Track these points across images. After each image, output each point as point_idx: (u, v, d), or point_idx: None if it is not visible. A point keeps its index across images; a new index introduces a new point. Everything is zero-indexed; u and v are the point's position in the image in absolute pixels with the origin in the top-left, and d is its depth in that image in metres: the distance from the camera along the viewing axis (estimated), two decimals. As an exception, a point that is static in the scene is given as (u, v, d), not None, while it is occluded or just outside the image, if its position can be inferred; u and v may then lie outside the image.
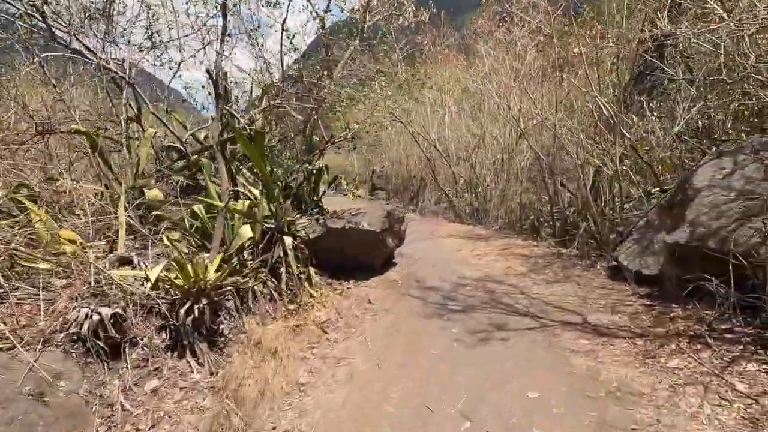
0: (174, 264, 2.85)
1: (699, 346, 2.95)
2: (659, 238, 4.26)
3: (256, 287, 3.30)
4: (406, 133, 12.25)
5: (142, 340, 2.76)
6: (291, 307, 3.32)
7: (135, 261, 3.08)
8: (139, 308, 2.85)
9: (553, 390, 2.69)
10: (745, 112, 5.35)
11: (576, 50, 6.45)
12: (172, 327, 2.81)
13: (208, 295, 2.88)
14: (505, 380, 2.84)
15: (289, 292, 3.56)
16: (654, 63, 9.56)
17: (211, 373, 2.82)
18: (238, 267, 3.27)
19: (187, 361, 2.75)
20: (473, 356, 3.23)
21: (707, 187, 3.77)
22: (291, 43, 4.44)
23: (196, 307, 2.79)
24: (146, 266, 3.00)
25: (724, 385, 2.50)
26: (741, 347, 2.84)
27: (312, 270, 4.76)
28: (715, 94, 6.45)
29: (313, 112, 5.03)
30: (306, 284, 3.93)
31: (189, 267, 2.81)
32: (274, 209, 3.87)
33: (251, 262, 3.42)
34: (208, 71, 3.87)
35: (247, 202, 3.43)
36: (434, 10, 10.92)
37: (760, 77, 4.68)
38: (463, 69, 12.24)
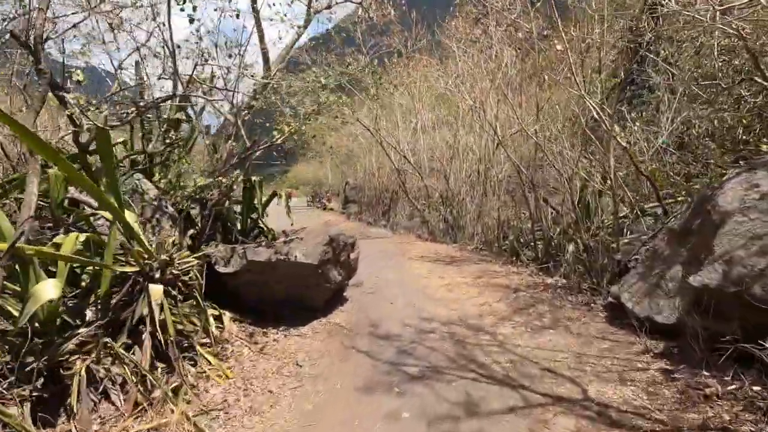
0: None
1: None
2: (674, 274, 3.31)
3: (102, 369, 2.13)
4: (379, 143, 11.26)
5: None
6: (155, 394, 2.17)
7: None
8: None
9: None
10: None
11: (559, 47, 5.60)
12: None
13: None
14: None
15: (159, 368, 2.39)
16: (636, 69, 8.95)
17: None
18: (41, 347, 2.06)
19: None
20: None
21: (739, 210, 2.84)
22: (182, 9, 3.32)
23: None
24: None
25: None
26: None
27: (228, 316, 3.58)
28: (703, 102, 5.75)
29: (237, 114, 3.92)
30: (199, 347, 2.77)
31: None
32: (153, 243, 2.71)
33: (85, 330, 2.22)
34: (12, 33, 2.66)
35: (81, 237, 2.27)
36: (405, 8, 10.10)
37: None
38: (436, 72, 11.40)
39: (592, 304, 4.21)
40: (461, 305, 4.51)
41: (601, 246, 4.75)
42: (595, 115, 4.65)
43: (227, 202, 4.26)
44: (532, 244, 6.42)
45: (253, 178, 4.86)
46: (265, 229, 5.38)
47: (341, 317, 4.21)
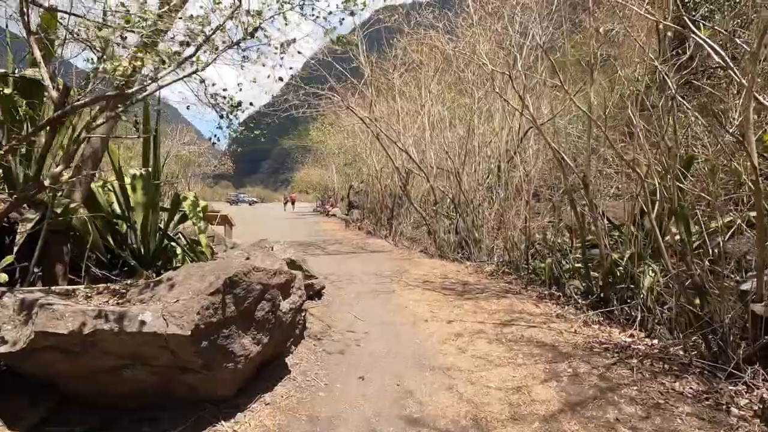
0: None
1: None
2: None
3: None
4: (375, 137, 9.42)
5: None
6: None
7: None
8: None
9: None
10: None
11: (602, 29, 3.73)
12: None
13: None
14: None
15: None
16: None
17: None
18: None
19: None
20: None
21: None
22: None
23: None
24: None
25: None
26: None
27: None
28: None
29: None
30: None
31: None
32: None
33: None
34: None
35: None
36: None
37: None
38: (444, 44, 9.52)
39: (727, 404, 2.27)
40: (479, 388, 2.62)
41: (715, 284, 2.79)
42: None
43: (79, 211, 2.49)
44: (582, 270, 4.48)
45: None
46: (180, 252, 3.63)
47: (264, 416, 2.37)
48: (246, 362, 2.22)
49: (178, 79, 2.26)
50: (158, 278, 2.15)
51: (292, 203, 29.28)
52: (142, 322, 1.77)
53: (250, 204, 48.34)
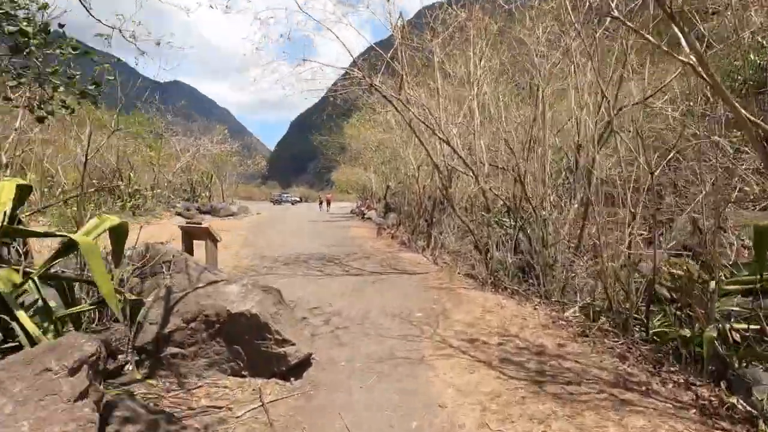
0: None
1: None
2: None
3: None
4: (408, 125, 7.47)
5: None
6: None
7: None
8: None
9: None
10: None
11: None
12: None
13: None
14: None
15: None
16: None
17: None
18: None
19: None
20: None
21: None
22: None
23: None
24: None
25: None
26: None
27: None
28: None
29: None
30: None
31: None
32: None
33: None
34: None
35: None
36: None
37: None
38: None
39: None
40: None
41: None
42: None
43: None
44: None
45: None
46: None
47: None
48: None
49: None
50: None
51: (328, 204, 28.09)
52: None
53: (292, 203, 48.36)
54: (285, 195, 54.66)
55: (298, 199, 55.19)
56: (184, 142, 20.51)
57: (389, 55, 6.14)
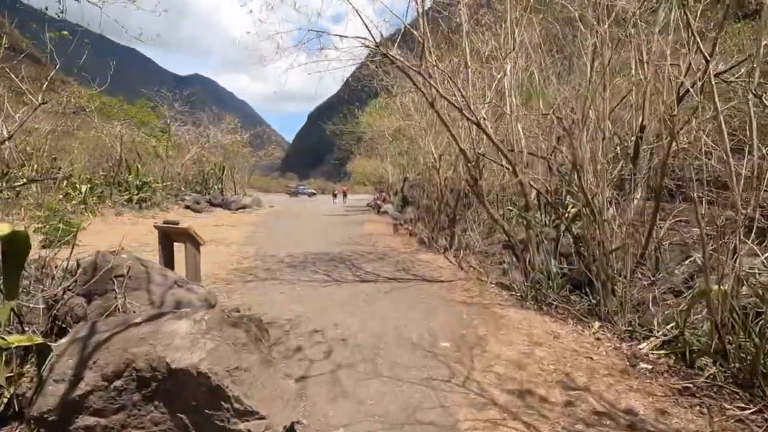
0: None
1: None
2: None
3: None
4: (429, 103, 6.37)
5: None
6: None
7: None
8: None
9: None
10: None
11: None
12: None
13: None
14: None
15: None
16: None
17: None
18: None
19: None
20: None
21: None
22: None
23: None
24: None
25: None
26: None
27: None
28: None
29: None
30: None
31: None
32: None
33: None
34: None
35: None
36: None
37: None
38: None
39: None
40: None
41: None
42: None
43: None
44: None
45: None
46: None
47: None
48: None
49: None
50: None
51: (344, 195, 27.29)
52: None
53: (309, 196, 48.21)
54: (301, 187, 54.62)
55: (314, 191, 55.13)
56: (193, 131, 19.87)
57: (408, 21, 5.05)
